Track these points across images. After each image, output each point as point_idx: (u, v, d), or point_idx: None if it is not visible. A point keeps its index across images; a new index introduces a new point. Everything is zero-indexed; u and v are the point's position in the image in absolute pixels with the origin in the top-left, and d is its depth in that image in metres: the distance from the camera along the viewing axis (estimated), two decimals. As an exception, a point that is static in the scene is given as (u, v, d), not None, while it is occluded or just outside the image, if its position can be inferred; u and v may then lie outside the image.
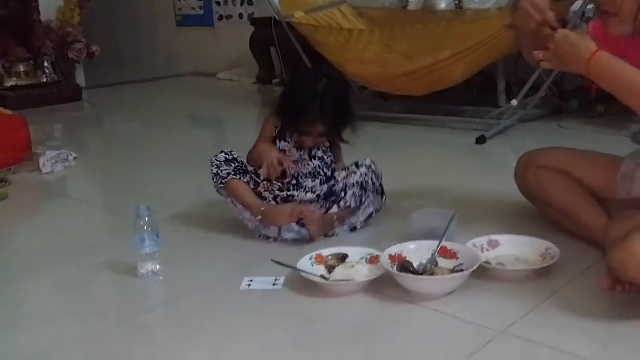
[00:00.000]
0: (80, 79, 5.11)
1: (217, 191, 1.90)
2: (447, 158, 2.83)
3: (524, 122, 3.23)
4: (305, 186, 1.86)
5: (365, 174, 1.88)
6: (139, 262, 1.67)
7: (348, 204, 1.86)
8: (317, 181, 1.87)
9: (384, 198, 1.93)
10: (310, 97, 1.77)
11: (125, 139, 3.65)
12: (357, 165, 1.91)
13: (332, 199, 1.86)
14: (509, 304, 1.43)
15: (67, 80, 4.81)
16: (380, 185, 1.92)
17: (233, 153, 1.91)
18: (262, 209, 1.81)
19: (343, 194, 1.86)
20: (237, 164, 1.88)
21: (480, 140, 2.93)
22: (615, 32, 1.53)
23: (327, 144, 1.89)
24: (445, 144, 3.08)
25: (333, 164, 1.89)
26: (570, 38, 1.47)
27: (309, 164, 1.86)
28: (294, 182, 1.86)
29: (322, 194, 1.86)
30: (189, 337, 1.38)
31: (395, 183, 2.29)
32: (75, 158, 2.95)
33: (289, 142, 1.85)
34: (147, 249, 1.65)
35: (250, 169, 1.90)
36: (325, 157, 1.88)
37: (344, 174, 1.89)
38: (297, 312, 1.47)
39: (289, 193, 1.84)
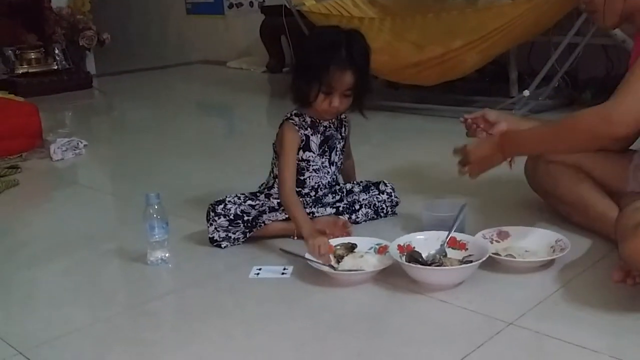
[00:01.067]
0: (91, 66, 5.13)
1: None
2: (458, 148, 2.82)
3: (536, 113, 3.20)
4: (325, 202, 1.84)
5: (384, 201, 1.89)
6: (148, 250, 1.68)
7: (358, 220, 1.87)
8: (337, 197, 1.87)
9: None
10: (336, 43, 1.67)
11: (135, 126, 3.66)
12: (378, 187, 1.91)
13: (343, 204, 1.86)
14: (518, 296, 1.43)
15: (77, 67, 4.82)
16: (394, 213, 1.91)
17: (228, 204, 1.73)
18: (294, 238, 1.74)
19: (357, 206, 1.87)
20: (244, 217, 1.73)
21: (492, 131, 2.91)
22: (603, 27, 1.57)
23: (344, 131, 1.86)
24: (456, 134, 3.03)
25: (342, 165, 1.89)
26: (477, 151, 1.69)
27: (328, 172, 1.83)
28: (312, 194, 1.83)
29: (341, 209, 1.85)
30: (198, 325, 1.39)
31: (405, 173, 2.29)
32: (85, 145, 2.97)
33: (313, 152, 1.78)
34: (157, 236, 1.66)
35: (259, 200, 1.78)
36: (339, 161, 1.86)
37: (360, 193, 1.88)
38: (305, 301, 1.47)
39: (307, 211, 1.78)
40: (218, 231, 1.73)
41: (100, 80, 5.05)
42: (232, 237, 1.74)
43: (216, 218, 1.74)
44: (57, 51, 4.65)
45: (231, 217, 1.74)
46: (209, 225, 1.74)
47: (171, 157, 2.86)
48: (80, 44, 4.77)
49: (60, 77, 4.61)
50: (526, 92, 3.10)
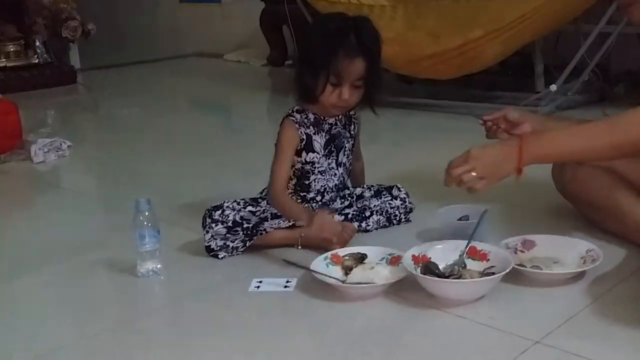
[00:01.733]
0: (75, 59, 5.15)
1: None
2: (478, 149, 2.82)
3: (564, 110, 3.20)
4: (332, 208, 1.84)
5: (397, 208, 1.90)
6: (138, 261, 1.69)
7: (369, 228, 1.87)
8: (346, 202, 1.87)
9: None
10: (344, 29, 1.66)
11: (123, 125, 3.68)
12: (391, 192, 1.92)
13: (352, 210, 1.87)
14: (545, 311, 1.43)
15: (60, 61, 4.84)
16: (408, 220, 1.92)
17: (226, 210, 1.75)
18: (302, 234, 1.75)
19: (367, 213, 1.87)
20: (243, 225, 1.74)
21: (515, 130, 2.91)
22: (635, 21, 1.53)
23: (354, 129, 1.86)
24: (476, 133, 3.02)
25: (351, 166, 1.90)
26: (485, 154, 1.51)
27: (335, 174, 1.83)
28: (319, 198, 1.83)
29: (351, 216, 1.85)
30: (193, 343, 1.39)
31: (419, 176, 2.29)
32: (69, 146, 2.98)
33: (317, 153, 1.79)
34: (147, 246, 1.67)
35: (261, 206, 1.79)
36: (347, 162, 1.86)
37: (371, 198, 1.89)
38: (310, 317, 1.48)
39: None
40: (215, 239, 1.74)
41: (85, 74, 5.08)
42: (231, 245, 1.74)
43: (213, 225, 1.74)
44: (37, 43, 4.67)
45: (229, 224, 1.74)
46: (205, 232, 1.75)
47: (163, 159, 2.87)
48: (64, 36, 4.79)
49: (41, 72, 4.63)
50: (553, 87, 3.10)
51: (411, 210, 1.93)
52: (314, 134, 1.78)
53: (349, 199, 1.90)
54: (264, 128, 3.54)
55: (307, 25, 3.71)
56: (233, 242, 1.74)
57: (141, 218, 1.66)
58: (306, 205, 1.81)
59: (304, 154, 1.79)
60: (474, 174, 1.48)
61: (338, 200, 1.87)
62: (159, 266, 1.69)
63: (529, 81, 3.44)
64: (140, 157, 2.94)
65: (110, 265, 1.78)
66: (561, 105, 3.20)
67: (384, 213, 1.89)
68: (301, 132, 1.77)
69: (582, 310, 1.41)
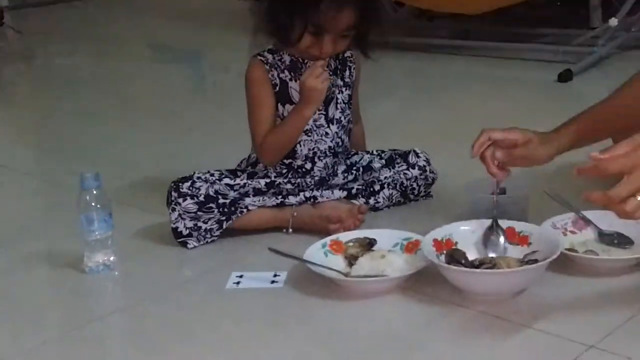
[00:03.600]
0: (1, -5, 5.12)
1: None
2: (517, 102, 2.81)
3: (627, 50, 3.19)
4: (333, 184, 1.85)
5: (415, 179, 1.90)
6: (85, 252, 1.69)
7: (379, 205, 1.88)
8: (351, 175, 1.87)
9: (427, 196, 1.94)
10: None
11: (64, 80, 3.66)
12: (406, 159, 1.91)
13: (357, 184, 1.87)
14: (602, 308, 1.43)
15: (-18, -3, 4.81)
16: (428, 194, 1.93)
17: (197, 181, 1.74)
18: (294, 214, 1.77)
19: (377, 187, 1.87)
20: (219, 200, 1.74)
21: (565, 77, 2.91)
22: None
23: (349, 75, 1.85)
24: (514, 82, 3.06)
25: (350, 124, 1.89)
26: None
27: (327, 133, 1.83)
28: (308, 166, 1.82)
29: (355, 191, 1.86)
30: (156, 353, 1.40)
31: (443, 138, 2.28)
32: (-5, 107, 2.97)
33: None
34: (97, 233, 1.67)
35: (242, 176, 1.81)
36: (343, 118, 1.85)
37: (381, 167, 1.89)
38: (305, 320, 1.48)
39: (307, 194, 1.80)
40: (183, 219, 1.74)
41: (15, 14, 5.05)
42: (203, 227, 1.74)
43: (180, 200, 1.74)
44: (-48, -25, 4.63)
45: (201, 198, 1.74)
46: (170, 211, 1.75)
47: (114, 123, 2.87)
48: (-14, -36, 4.75)
49: (-42, 12, 4.60)
50: (613, 21, 3.08)
51: (433, 181, 1.93)
52: (291, 80, 1.78)
53: (354, 171, 1.90)
54: (243, 82, 3.52)
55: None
56: (206, 222, 1.74)
57: (88, 197, 1.66)
58: (297, 178, 1.81)
59: (279, 106, 1.79)
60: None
61: (340, 173, 1.87)
62: (111, 259, 1.69)
63: (583, 14, 3.42)
64: (86, 120, 2.94)
65: (50, 258, 1.78)
66: (623, 45, 3.19)
67: (397, 186, 1.89)
68: (273, 76, 1.77)
69: (649, 306, 1.42)
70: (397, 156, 1.94)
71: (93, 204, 1.66)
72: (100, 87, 3.43)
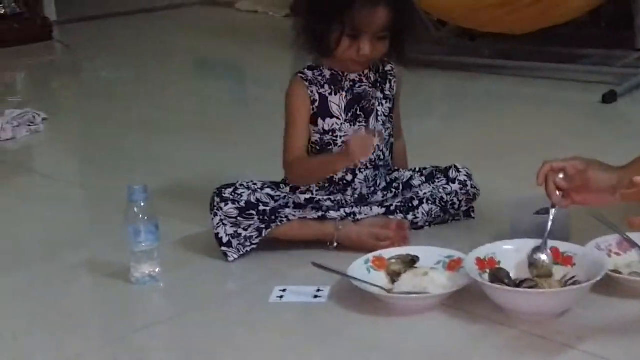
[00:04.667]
0: (50, 10, 5.18)
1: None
2: (560, 123, 2.79)
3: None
4: (373, 201, 1.84)
5: (456, 193, 1.88)
6: (131, 263, 1.70)
7: (418, 221, 1.86)
8: (391, 193, 1.87)
9: (469, 216, 1.92)
10: None
11: (111, 93, 3.70)
12: (447, 174, 1.90)
13: (397, 201, 1.86)
14: (647, 331, 1.41)
15: (32, 12, 4.88)
16: (470, 211, 1.91)
17: (239, 188, 1.77)
18: (340, 227, 1.77)
19: (416, 202, 1.86)
20: (259, 207, 1.75)
21: (609, 98, 2.88)
22: None
23: (390, 87, 1.85)
24: (557, 103, 3.04)
25: (391, 138, 1.89)
26: None
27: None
28: (349, 178, 1.82)
29: (394, 208, 1.85)
30: (200, 366, 1.41)
31: (486, 157, 2.28)
32: (44, 119, 3.01)
33: (337, 118, 1.79)
34: (143, 244, 1.69)
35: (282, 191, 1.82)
36: (384, 131, 1.84)
37: (421, 183, 1.89)
38: (347, 335, 1.48)
39: (347, 211, 1.80)
40: (224, 224, 1.75)
41: (64, 29, 5.11)
42: (243, 235, 1.75)
43: (222, 205, 1.75)
44: (4, -10, 4.71)
45: (242, 204, 1.75)
46: (212, 215, 1.76)
47: (161, 135, 2.88)
48: (36, -20, 4.82)
49: (9, 26, 4.67)
50: (659, 43, 3.05)
51: (474, 197, 1.91)
52: (331, 94, 1.79)
53: (394, 188, 1.89)
54: (281, 100, 3.53)
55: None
56: (246, 230, 1.75)
57: (136, 209, 1.68)
58: (337, 193, 1.81)
59: (319, 121, 1.79)
60: None
61: (379, 191, 1.87)
62: (157, 270, 1.71)
63: (628, 36, 3.39)
64: (133, 132, 2.96)
65: (96, 268, 1.80)
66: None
67: (437, 201, 1.88)
68: (312, 92, 1.78)
69: (695, 330, 1.40)
70: (437, 172, 1.93)
71: (140, 216, 1.68)
72: (145, 101, 3.45)
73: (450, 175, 1.91)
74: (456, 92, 3.30)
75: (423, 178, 1.92)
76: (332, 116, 1.79)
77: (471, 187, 1.90)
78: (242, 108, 3.46)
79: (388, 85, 1.86)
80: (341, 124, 1.80)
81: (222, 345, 1.47)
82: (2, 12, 4.70)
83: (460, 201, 1.90)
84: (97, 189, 2.42)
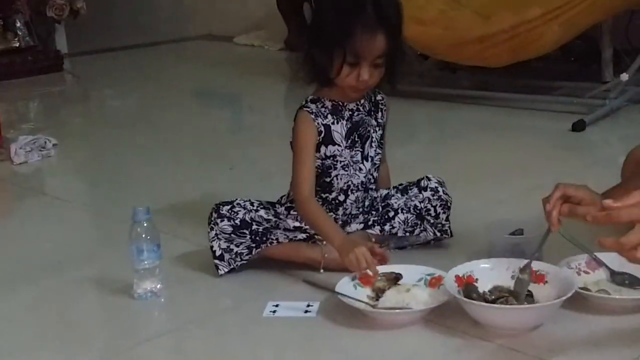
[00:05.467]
0: (62, 43, 5.20)
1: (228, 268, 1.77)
2: (534, 150, 2.81)
3: (636, 103, 3.17)
4: (353, 214, 1.84)
5: (428, 199, 1.88)
6: (134, 280, 1.70)
7: (395, 230, 1.86)
8: (370, 215, 1.86)
9: (446, 234, 1.89)
10: (362, 0, 1.67)
11: (117, 120, 3.71)
12: (419, 184, 1.90)
13: (373, 216, 1.87)
14: (613, 344, 1.41)
15: (44, 44, 4.90)
16: (447, 219, 1.88)
17: (236, 206, 1.77)
18: (325, 255, 1.76)
19: (391, 214, 1.87)
20: (252, 226, 1.76)
21: (578, 126, 2.90)
22: None
23: (381, 116, 1.86)
24: (531, 131, 3.05)
25: (380, 162, 1.88)
26: None
27: (361, 169, 1.83)
28: (341, 198, 1.82)
29: (371, 222, 1.85)
30: (198, 377, 1.40)
31: (466, 182, 2.28)
32: (54, 145, 3.01)
33: (339, 145, 1.79)
34: (146, 262, 1.68)
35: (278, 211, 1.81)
36: (375, 156, 1.85)
37: (396, 197, 1.88)
38: (336, 348, 1.48)
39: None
40: (219, 239, 1.76)
41: (74, 61, 5.13)
42: (234, 250, 1.75)
43: (218, 220, 1.76)
44: (18, 24, 4.72)
45: (237, 222, 1.76)
46: (209, 230, 1.77)
47: (163, 160, 2.89)
48: (49, 15, 4.84)
49: (23, 57, 4.68)
50: (624, 76, 3.07)
51: (447, 202, 1.88)
52: (333, 123, 1.79)
53: (374, 211, 1.88)
54: (280, 124, 3.52)
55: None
56: (238, 246, 1.75)
57: (139, 230, 1.68)
58: (329, 211, 1.81)
59: (322, 147, 1.79)
60: None
61: (361, 215, 1.87)
62: (158, 286, 1.71)
63: (596, 69, 3.42)
64: (137, 157, 2.97)
65: (102, 284, 1.80)
66: (633, 99, 3.17)
67: (411, 209, 1.87)
68: (318, 124, 1.78)
69: (658, 344, 1.40)
70: (410, 184, 1.92)
71: (143, 235, 1.67)
72: (149, 128, 3.46)
73: (422, 185, 1.90)
74: (438, 121, 3.31)
75: (399, 194, 1.91)
76: (334, 143, 1.79)
77: (443, 193, 1.89)
78: (239, 134, 3.47)
79: (380, 113, 1.87)
80: (342, 150, 1.80)
81: (220, 357, 1.47)
82: (17, 45, 4.72)
83: (434, 207, 1.87)
84: (104, 209, 2.43)
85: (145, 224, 1.68)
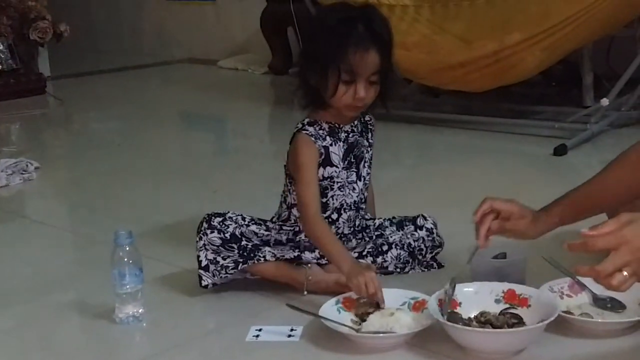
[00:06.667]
0: (44, 66, 5.19)
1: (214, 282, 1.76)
2: (516, 173, 2.82)
3: (617, 128, 3.20)
4: (349, 242, 1.85)
5: (423, 239, 1.90)
6: (116, 304, 1.69)
7: (387, 264, 1.87)
8: (362, 241, 1.87)
9: (432, 267, 1.91)
10: (351, 18, 1.71)
11: (100, 143, 3.70)
12: (415, 222, 1.92)
13: (367, 244, 1.87)
14: (597, 367, 1.42)
15: (27, 67, 4.88)
16: (434, 260, 1.91)
17: (228, 219, 1.78)
18: (309, 278, 1.76)
19: (385, 247, 1.87)
20: (242, 242, 1.76)
21: (560, 151, 2.92)
22: None
23: (371, 137, 1.87)
24: (513, 155, 3.07)
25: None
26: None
27: (354, 189, 1.84)
28: (334, 216, 1.82)
29: (365, 252, 1.86)
30: (180, 402, 1.39)
31: (446, 204, 2.29)
32: (36, 168, 3.00)
33: (336, 167, 1.80)
34: (128, 286, 1.67)
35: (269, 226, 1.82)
36: (366, 176, 1.86)
37: (391, 229, 1.90)
38: (319, 373, 1.47)
39: (321, 253, 1.78)
40: (206, 249, 1.75)
41: (57, 84, 5.12)
42: (221, 263, 1.74)
43: (208, 232, 1.76)
44: (1, 47, 4.71)
45: (227, 235, 1.76)
46: (197, 239, 1.76)
47: (146, 184, 2.88)
48: (32, 38, 4.83)
49: (5, 80, 4.67)
50: (605, 101, 3.10)
51: (440, 245, 1.92)
52: (331, 145, 1.80)
53: (368, 237, 1.89)
54: (264, 148, 3.55)
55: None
56: (224, 259, 1.74)
57: (121, 254, 1.67)
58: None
59: (320, 169, 1.80)
60: (625, 273, 1.26)
61: (354, 239, 1.87)
62: (140, 310, 1.69)
63: (576, 94, 3.45)
64: (119, 181, 2.96)
65: (83, 309, 1.78)
66: (614, 123, 3.20)
67: (405, 246, 1.89)
68: (319, 146, 1.79)
69: (641, 367, 1.41)
70: (406, 220, 1.94)
71: (125, 259, 1.67)
72: (133, 151, 3.45)
73: (418, 223, 1.93)
74: (421, 144, 3.33)
75: (394, 227, 1.93)
76: (332, 165, 1.80)
77: (437, 236, 1.92)
78: (222, 157, 3.47)
79: (370, 134, 1.89)
80: (339, 171, 1.81)
81: (201, 382, 1.46)
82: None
83: (426, 247, 1.91)
84: (85, 233, 2.41)
85: (127, 248, 1.67)
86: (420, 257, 1.90)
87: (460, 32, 3.28)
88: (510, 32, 3.12)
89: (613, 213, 1.83)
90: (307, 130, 1.79)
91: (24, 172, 2.94)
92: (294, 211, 1.82)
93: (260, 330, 1.62)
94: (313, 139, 1.78)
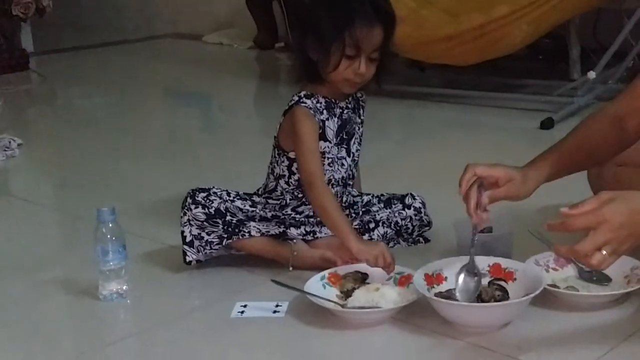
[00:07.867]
0: (27, 42, 5.14)
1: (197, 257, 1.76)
2: (502, 147, 2.82)
3: (604, 101, 3.19)
4: None
5: (410, 218, 1.90)
6: (100, 281, 1.68)
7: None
8: (350, 217, 1.85)
9: (419, 242, 1.91)
10: None
11: (84, 120, 3.67)
12: (403, 201, 1.92)
13: (354, 220, 1.86)
14: (582, 341, 1.42)
15: (9, 43, 4.83)
16: (420, 236, 1.91)
17: (212, 195, 1.77)
18: (294, 253, 1.75)
19: (372, 225, 1.86)
20: (226, 217, 1.75)
21: (547, 124, 2.92)
22: None
23: (363, 113, 1.86)
24: (500, 129, 3.07)
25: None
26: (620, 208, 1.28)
27: (343, 165, 1.83)
28: None
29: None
30: (164, 379, 1.39)
31: (433, 179, 2.28)
32: (19, 145, 2.97)
33: (329, 142, 1.78)
34: (111, 263, 1.66)
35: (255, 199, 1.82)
36: (356, 153, 1.86)
37: (378, 207, 1.89)
38: (305, 348, 1.47)
39: (307, 229, 1.80)
40: (191, 225, 1.75)
41: (40, 59, 5.07)
42: (205, 239, 1.74)
43: (192, 207, 1.75)
44: (-18, 23, 4.67)
45: (211, 211, 1.75)
46: (182, 215, 1.76)
47: (130, 160, 2.86)
48: (14, 14, 4.78)
49: (-13, 56, 4.63)
50: (592, 74, 3.10)
51: (428, 224, 1.92)
52: (327, 119, 1.79)
53: (354, 213, 1.89)
54: (250, 123, 3.53)
55: (301, 3, 3.70)
56: (209, 234, 1.74)
57: (104, 230, 1.66)
58: (307, 204, 1.80)
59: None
60: (604, 252, 1.27)
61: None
62: (124, 287, 1.69)
63: (563, 67, 3.44)
64: (103, 157, 2.94)
65: (67, 286, 1.77)
66: (601, 96, 3.19)
67: (392, 225, 1.88)
68: (317, 119, 1.77)
69: (626, 340, 1.41)
70: (394, 199, 1.94)
71: (109, 236, 1.66)
72: (117, 127, 3.43)
73: (407, 202, 1.92)
74: (407, 119, 3.32)
75: (382, 204, 1.92)
76: (326, 140, 1.79)
77: (424, 215, 1.92)
78: (208, 134, 3.44)
79: (361, 111, 1.88)
80: (331, 147, 1.80)
81: (187, 358, 1.45)
82: (-20, 44, 4.66)
83: (413, 227, 1.90)
84: (69, 210, 2.40)
85: (110, 225, 1.66)
86: (406, 235, 1.90)
87: (446, 6, 3.26)
88: (496, 5, 3.11)
89: (596, 181, 1.84)
90: (306, 103, 1.77)
91: (6, 149, 2.91)
92: (282, 182, 1.81)
93: (245, 306, 1.61)
94: (312, 111, 1.76)
